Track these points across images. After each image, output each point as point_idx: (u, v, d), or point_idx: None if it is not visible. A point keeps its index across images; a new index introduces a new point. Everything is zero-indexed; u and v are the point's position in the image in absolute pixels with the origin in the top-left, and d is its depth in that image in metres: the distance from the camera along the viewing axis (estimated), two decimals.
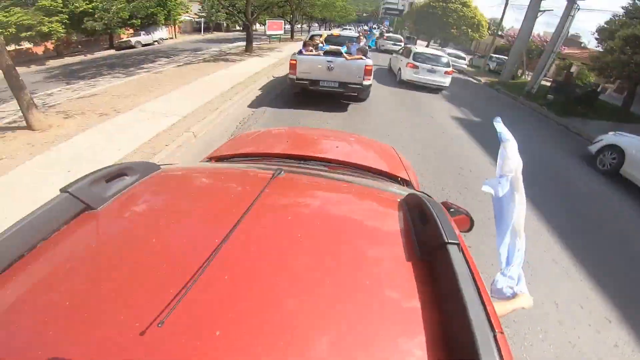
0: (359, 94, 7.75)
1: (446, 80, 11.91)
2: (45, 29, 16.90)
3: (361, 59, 7.41)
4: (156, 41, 26.24)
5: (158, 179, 1.16)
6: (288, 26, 30.34)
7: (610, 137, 6.68)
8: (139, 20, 23.30)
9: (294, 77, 7.52)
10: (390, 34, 31.38)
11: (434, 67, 11.76)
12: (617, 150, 6.33)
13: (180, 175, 1.30)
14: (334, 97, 8.06)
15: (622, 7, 13.86)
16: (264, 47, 20.95)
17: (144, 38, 24.88)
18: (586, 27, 20.45)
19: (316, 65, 7.38)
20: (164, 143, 5.46)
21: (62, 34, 18.48)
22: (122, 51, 22.03)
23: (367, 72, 7.32)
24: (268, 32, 23.04)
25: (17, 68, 5.85)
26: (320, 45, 8.14)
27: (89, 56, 20.26)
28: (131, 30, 25.50)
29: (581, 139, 9.17)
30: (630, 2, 13.65)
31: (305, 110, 7.70)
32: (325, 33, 8.68)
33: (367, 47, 8.17)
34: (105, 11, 11.85)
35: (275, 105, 7.99)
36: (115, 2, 11.79)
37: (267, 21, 23.70)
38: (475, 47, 37.65)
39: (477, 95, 13.58)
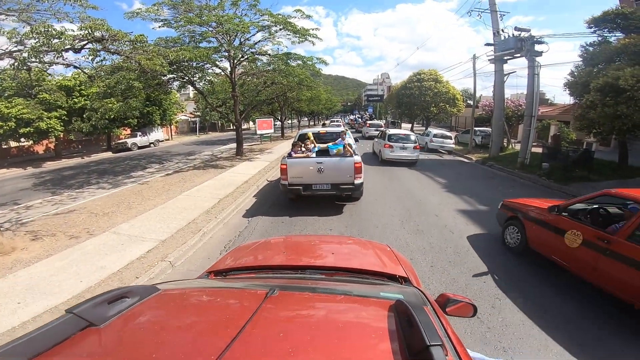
0: (352, 194, 7.46)
1: (416, 154, 14.58)
2: (43, 125, 17.32)
3: (350, 155, 7.27)
4: (152, 143, 26.69)
5: (158, 299, 1.26)
6: (278, 122, 31.96)
7: None
8: (136, 120, 23.69)
9: (286, 182, 7.28)
10: (373, 121, 34.50)
11: (404, 144, 14.56)
12: None
13: (179, 296, 1.41)
14: (329, 197, 7.67)
15: (579, 56, 14.35)
16: (255, 148, 21.16)
17: (140, 140, 25.31)
18: (544, 82, 21.63)
19: (307, 168, 7.20)
20: (134, 274, 4.72)
21: (59, 132, 19.03)
22: (118, 154, 22.56)
23: (358, 170, 7.12)
24: (258, 132, 23.68)
25: (13, 169, 5.50)
26: (312, 146, 8.02)
27: (86, 159, 20.67)
28: (128, 130, 26.07)
29: None
30: (582, 49, 14.27)
31: (302, 216, 7.19)
32: (310, 134, 8.67)
33: (354, 144, 8.09)
34: (94, 111, 11.51)
35: (270, 214, 7.48)
36: (105, 102, 11.58)
37: (256, 120, 24.60)
38: (455, 122, 39.86)
39: (473, 176, 12.90)
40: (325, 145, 8.41)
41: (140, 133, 25.56)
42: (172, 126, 33.84)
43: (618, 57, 11.95)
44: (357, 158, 7.26)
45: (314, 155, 7.68)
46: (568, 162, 12.31)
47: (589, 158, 12.73)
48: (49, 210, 8.38)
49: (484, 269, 4.81)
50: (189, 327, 1.10)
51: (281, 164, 7.38)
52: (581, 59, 14.22)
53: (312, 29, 14.72)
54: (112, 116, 12.20)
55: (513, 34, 14.96)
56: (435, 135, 20.41)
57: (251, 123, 36.96)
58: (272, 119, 26.47)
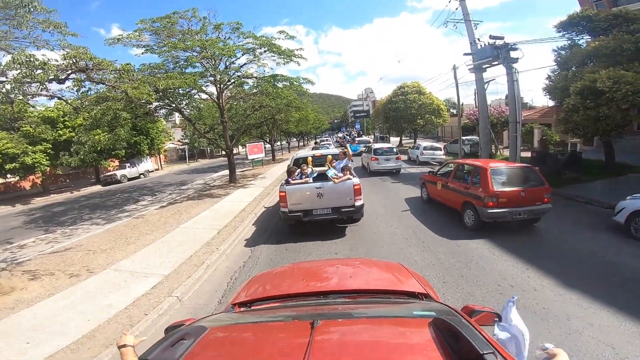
0: (353, 216, 7.35)
1: (398, 164, 17.02)
2: (28, 160, 16.80)
3: (349, 178, 7.23)
4: (142, 174, 26.24)
5: (211, 339, 1.32)
6: (268, 146, 31.89)
7: (632, 203, 6.41)
8: (124, 151, 22.99)
9: (286, 210, 7.16)
10: (362, 138, 35.09)
11: (388, 157, 16.88)
12: None
13: (228, 334, 1.50)
14: (330, 221, 7.57)
15: (553, 60, 14.93)
16: (248, 174, 20.93)
17: (129, 171, 24.83)
18: (522, 86, 22.18)
19: (306, 193, 7.14)
20: (142, 312, 4.57)
21: (45, 167, 18.44)
22: (108, 187, 22.09)
23: (357, 192, 7.10)
24: (250, 157, 23.49)
25: (1, 207, 5.35)
26: (309, 171, 8.03)
27: (75, 193, 20.19)
28: (116, 162, 25.39)
29: (594, 207, 8.74)
30: (556, 53, 14.85)
31: (305, 242, 7.09)
32: (310, 159, 8.70)
33: (351, 164, 8.10)
34: (81, 144, 11.12)
35: (272, 242, 7.38)
36: (92, 134, 11.18)
37: (247, 145, 24.40)
38: (441, 133, 40.67)
39: None
40: (322, 168, 8.40)
41: (129, 164, 25.15)
42: (161, 155, 33.48)
43: (589, 59, 12.47)
44: (356, 180, 7.23)
45: (311, 180, 7.62)
46: (558, 165, 12.61)
47: (578, 160, 13.09)
48: (44, 248, 8.14)
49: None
50: None
51: (280, 192, 7.29)
52: (555, 63, 14.85)
53: (297, 49, 14.86)
54: (100, 148, 11.95)
55: (489, 43, 15.14)
56: (425, 148, 20.74)
57: (241, 148, 36.82)
58: (262, 143, 26.45)
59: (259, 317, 1.73)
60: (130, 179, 24.56)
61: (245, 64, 15.28)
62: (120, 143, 13.27)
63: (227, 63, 14.78)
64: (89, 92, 10.53)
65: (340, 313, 1.62)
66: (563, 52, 14.54)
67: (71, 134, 18.17)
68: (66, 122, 19.62)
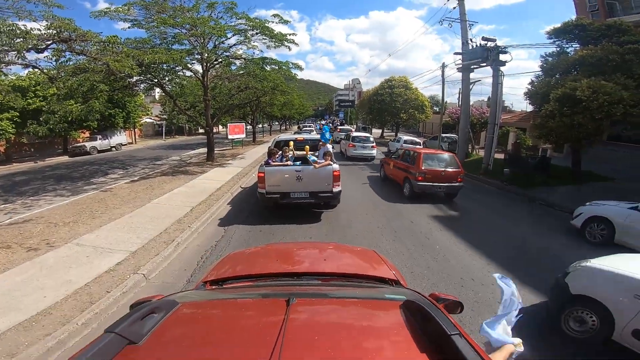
0: (330, 201, 7.45)
1: (373, 152, 18.53)
2: None
3: (329, 164, 7.26)
4: (114, 147, 25.20)
5: (183, 314, 1.28)
6: (249, 127, 31.34)
7: (590, 209, 6.76)
8: (96, 123, 21.91)
9: (264, 191, 7.12)
10: (344, 127, 35.61)
11: (364, 144, 18.59)
12: (603, 222, 6.37)
13: (201, 309, 1.46)
14: (306, 205, 7.62)
15: (539, 66, 15.02)
16: (227, 153, 20.51)
17: (100, 143, 23.72)
18: (504, 90, 22.59)
19: (285, 176, 7.11)
20: (105, 289, 4.41)
21: (11, 135, 17.62)
22: (76, 158, 21.01)
23: (336, 179, 7.16)
24: (230, 137, 23.13)
25: None
26: (290, 154, 8.00)
27: (39, 163, 19.05)
28: (87, 133, 24.15)
29: (554, 211, 9.22)
30: (542, 60, 15.05)
31: (280, 224, 7.08)
32: (292, 143, 8.62)
33: (331, 150, 8.10)
34: (52, 113, 10.52)
35: (246, 222, 7.30)
36: (65, 104, 10.56)
37: (228, 125, 23.97)
38: (422, 128, 41.30)
39: None
40: (302, 152, 8.35)
41: (100, 136, 24.00)
42: (136, 129, 32.16)
43: (574, 68, 12.70)
44: (336, 167, 7.26)
45: (291, 163, 7.59)
46: (528, 169, 13.14)
47: (547, 164, 13.69)
48: (1, 219, 7.62)
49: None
50: (225, 340, 1.13)
51: (259, 172, 7.22)
52: (541, 70, 14.96)
53: (289, 34, 14.62)
54: (71, 118, 11.29)
55: (480, 44, 15.44)
56: (405, 142, 21.06)
57: (221, 127, 35.89)
58: (244, 124, 25.93)
59: (233, 295, 1.70)
60: (100, 152, 23.45)
61: (235, 44, 14.92)
62: (93, 115, 12.56)
63: (217, 42, 14.34)
64: (68, 63, 9.97)
65: (314, 293, 1.64)
66: (550, 59, 14.75)
67: (41, 103, 17.24)
68: (37, 92, 18.62)
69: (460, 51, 17.21)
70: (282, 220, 7.28)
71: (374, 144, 19.05)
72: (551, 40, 15.10)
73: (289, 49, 14.98)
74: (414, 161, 9.80)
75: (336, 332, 1.17)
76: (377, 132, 39.43)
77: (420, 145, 21.17)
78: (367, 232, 6.89)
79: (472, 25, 17.31)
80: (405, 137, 22.72)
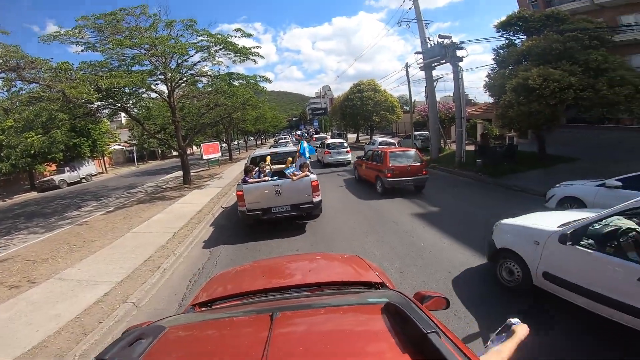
0: (312, 212, 7.43)
1: (348, 157, 19.20)
2: None
3: (306, 175, 7.30)
4: (84, 178, 24.28)
5: (170, 338, 1.31)
6: (224, 145, 30.93)
7: (561, 190, 7.12)
8: (61, 154, 20.96)
9: (245, 209, 7.06)
10: (319, 135, 35.88)
11: (339, 150, 19.49)
12: (575, 201, 6.72)
13: (188, 332, 1.47)
14: (287, 219, 7.61)
15: (492, 59, 15.82)
16: (204, 174, 20.18)
17: (69, 175, 22.82)
18: (466, 84, 23.40)
19: (264, 191, 7.09)
20: (96, 319, 4.30)
21: None
22: (45, 193, 20.13)
23: (315, 189, 7.21)
24: (205, 157, 22.66)
25: None
26: (268, 170, 7.99)
27: (7, 201, 18.15)
28: (54, 166, 23.12)
29: (528, 195, 9.63)
30: (495, 53, 15.83)
31: (265, 240, 7.03)
32: (268, 158, 8.68)
33: (308, 161, 8.20)
34: (12, 148, 10.04)
35: (231, 242, 7.20)
36: (24, 137, 10.02)
37: (201, 145, 23.45)
38: (395, 129, 42.33)
39: None
40: (279, 166, 8.38)
41: (68, 168, 23.11)
42: (104, 158, 31.08)
43: (524, 58, 13.38)
44: (314, 177, 7.29)
45: (269, 178, 7.59)
46: (497, 157, 13.75)
47: (514, 152, 14.39)
48: None
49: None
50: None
51: (237, 191, 7.16)
52: (494, 62, 15.70)
53: (254, 47, 14.60)
54: (33, 152, 10.73)
55: (438, 42, 15.93)
56: (380, 144, 21.52)
57: (195, 148, 35.27)
58: (218, 143, 25.61)
59: (219, 314, 1.73)
60: (70, 184, 22.58)
61: (199, 62, 14.63)
62: (56, 146, 12.01)
63: (179, 61, 14.05)
64: (20, 92, 9.56)
65: (298, 305, 1.66)
66: (501, 52, 15.47)
67: (0, 136, 16.34)
68: None
69: (420, 50, 17.75)
70: (267, 235, 7.24)
71: (349, 149, 19.97)
72: (500, 34, 15.92)
73: (255, 62, 14.94)
74: (382, 160, 10.61)
75: (319, 342, 1.20)
76: (352, 136, 40.00)
77: (395, 145, 21.75)
78: (348, 229, 7.30)
79: (429, 24, 17.90)
80: (380, 139, 23.24)
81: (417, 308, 1.36)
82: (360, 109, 32.22)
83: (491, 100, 20.61)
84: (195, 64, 14.61)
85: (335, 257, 2.96)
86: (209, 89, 15.89)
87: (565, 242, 3.37)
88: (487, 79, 15.23)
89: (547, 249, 3.71)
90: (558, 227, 3.74)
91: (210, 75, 15.20)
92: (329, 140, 22.18)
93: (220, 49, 14.07)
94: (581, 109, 12.63)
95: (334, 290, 1.95)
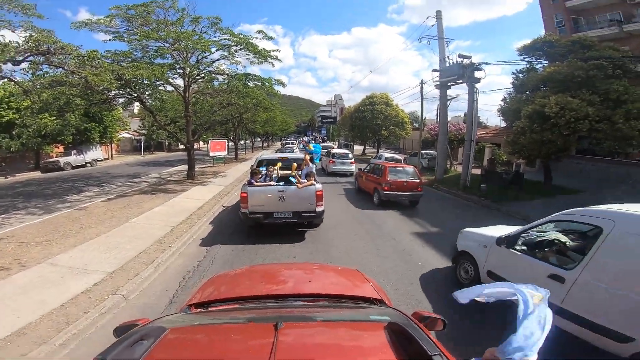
0: (313, 221, 7.42)
1: (352, 167, 19.37)
2: None
3: (312, 184, 7.28)
4: (89, 162, 24.30)
5: (172, 340, 1.29)
6: (231, 143, 31.04)
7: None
8: (71, 137, 20.73)
9: (247, 211, 7.03)
10: (326, 144, 36.49)
11: (343, 160, 19.88)
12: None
13: (190, 335, 1.49)
14: (288, 225, 7.57)
15: (511, 83, 15.60)
16: (208, 171, 20.11)
17: (74, 159, 22.80)
18: (479, 106, 23.36)
19: (267, 196, 7.08)
20: (82, 310, 4.21)
21: None
22: (49, 174, 20.10)
23: (319, 198, 7.19)
24: (211, 154, 22.77)
25: None
26: (275, 174, 7.99)
27: (10, 178, 18.10)
28: (61, 148, 23.15)
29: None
30: (514, 76, 15.59)
31: (263, 244, 6.94)
32: (279, 164, 8.65)
33: (314, 170, 8.16)
34: (25, 127, 9.98)
35: (229, 242, 7.12)
36: (39, 117, 10.10)
37: (209, 141, 23.62)
38: (403, 145, 42.26)
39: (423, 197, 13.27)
40: (286, 172, 8.38)
41: (75, 151, 23.10)
42: (112, 144, 31.23)
43: (543, 84, 13.16)
44: (319, 186, 7.28)
45: (274, 183, 7.58)
46: (503, 184, 13.62)
47: (520, 179, 14.23)
48: None
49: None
50: None
51: (241, 192, 7.14)
52: (512, 86, 15.50)
53: (273, 51, 14.73)
54: (44, 133, 10.82)
55: (457, 61, 15.61)
56: (387, 159, 21.48)
57: (202, 143, 35.44)
58: (225, 141, 25.67)
59: (219, 319, 1.71)
60: (75, 167, 22.54)
61: (218, 59, 14.84)
62: (69, 129, 12.07)
63: (200, 57, 14.27)
64: (45, 75, 9.67)
65: (301, 316, 1.66)
66: (521, 76, 15.24)
67: (14, 115, 16.43)
68: (10, 103, 17.81)
69: (438, 68, 17.53)
70: (265, 239, 7.17)
71: (353, 160, 20.35)
72: (521, 57, 15.65)
73: (273, 65, 15.04)
74: (381, 173, 11.27)
75: (325, 355, 1.21)
76: (358, 148, 39.91)
77: (402, 162, 21.68)
78: (345, 234, 7.68)
79: (449, 42, 17.86)
80: (387, 155, 23.20)
81: (419, 328, 1.39)
82: (370, 122, 32.16)
83: (503, 124, 20.46)
84: (214, 62, 14.81)
85: (334, 269, 2.96)
86: (224, 87, 16.04)
87: (500, 244, 4.26)
88: (502, 103, 15.09)
89: (491, 252, 4.48)
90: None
91: (227, 74, 15.39)
92: (335, 150, 22.63)
93: (240, 49, 14.25)
94: (593, 141, 12.45)
95: (334, 303, 1.94)
